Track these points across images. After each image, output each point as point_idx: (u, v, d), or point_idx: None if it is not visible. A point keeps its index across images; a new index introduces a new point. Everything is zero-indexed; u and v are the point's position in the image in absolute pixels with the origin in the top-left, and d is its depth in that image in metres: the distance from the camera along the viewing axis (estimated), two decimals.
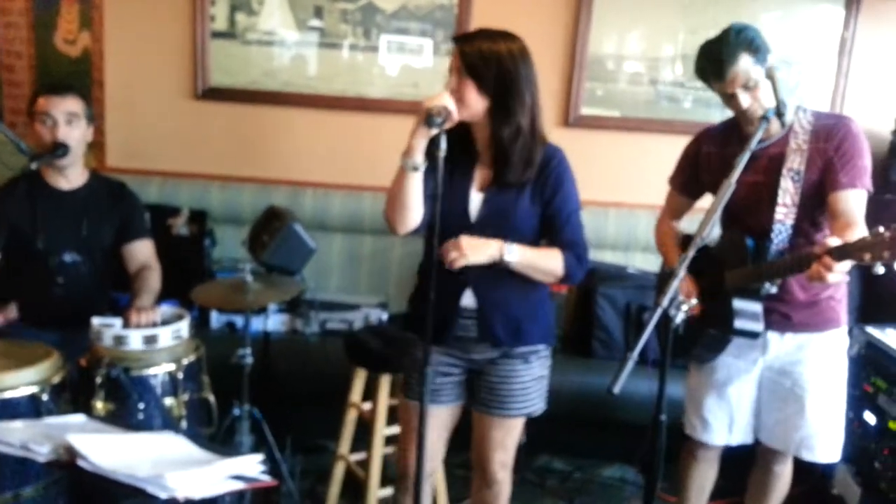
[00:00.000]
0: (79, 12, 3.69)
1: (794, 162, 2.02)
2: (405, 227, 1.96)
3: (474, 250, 1.86)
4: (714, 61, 1.97)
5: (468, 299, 1.99)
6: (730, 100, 2.03)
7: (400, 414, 2.20)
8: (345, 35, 3.53)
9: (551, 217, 1.97)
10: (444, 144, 1.73)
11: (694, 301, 1.68)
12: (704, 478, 2.40)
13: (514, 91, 1.90)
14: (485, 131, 1.96)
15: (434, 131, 1.77)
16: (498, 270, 1.93)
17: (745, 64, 1.94)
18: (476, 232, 1.90)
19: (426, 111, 1.78)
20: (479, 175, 2.00)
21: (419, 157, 1.85)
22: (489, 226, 1.94)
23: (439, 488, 2.70)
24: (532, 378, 2.06)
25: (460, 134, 1.95)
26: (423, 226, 1.97)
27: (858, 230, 1.87)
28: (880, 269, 1.56)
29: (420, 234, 2.00)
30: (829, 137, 2.01)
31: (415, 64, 3.53)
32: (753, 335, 2.07)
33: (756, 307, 2.05)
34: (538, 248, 1.96)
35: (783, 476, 2.32)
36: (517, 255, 1.90)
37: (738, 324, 2.04)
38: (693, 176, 2.27)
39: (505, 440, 2.10)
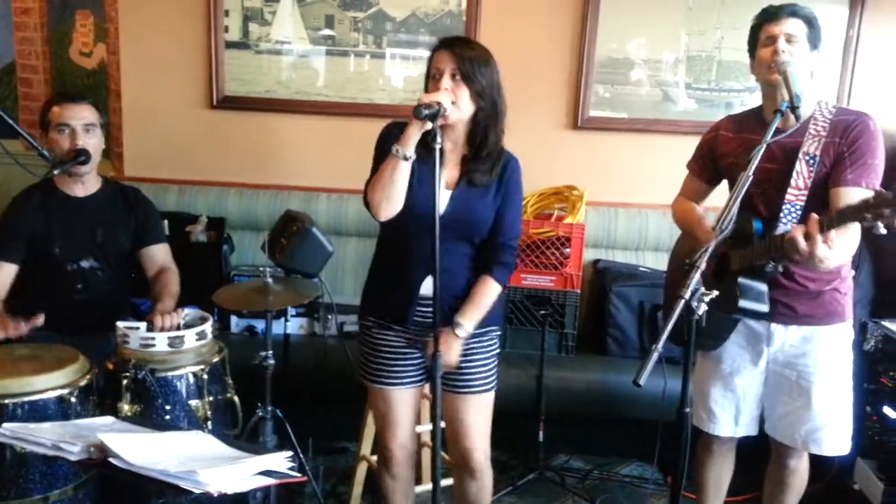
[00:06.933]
0: (94, 25, 3.76)
1: (811, 147, 2.03)
2: (388, 213, 2.02)
3: (451, 352, 2.02)
4: (781, 6, 2.08)
5: (427, 288, 2.06)
6: (766, 45, 2.06)
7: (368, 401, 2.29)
8: (355, 43, 3.58)
9: (499, 219, 2.10)
10: (439, 137, 1.85)
11: (715, 292, 1.70)
12: (720, 471, 2.41)
13: (498, 101, 2.03)
14: (460, 135, 2.06)
15: (428, 125, 1.87)
16: (453, 262, 2.04)
17: (801, 26, 2.05)
18: (444, 227, 1.95)
19: (417, 104, 1.87)
20: (446, 174, 2.08)
21: (410, 148, 1.93)
22: (455, 220, 2.04)
23: None
24: (491, 354, 2.17)
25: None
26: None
27: (851, 232, 1.88)
28: (882, 230, 1.54)
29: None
30: (845, 133, 2.02)
31: (423, 70, 3.57)
32: (759, 315, 2.05)
33: (761, 286, 2.03)
34: (476, 298, 2.08)
35: (798, 471, 2.30)
36: (470, 325, 2.05)
37: (743, 303, 2.00)
38: (710, 160, 2.31)
39: (479, 423, 2.16)
